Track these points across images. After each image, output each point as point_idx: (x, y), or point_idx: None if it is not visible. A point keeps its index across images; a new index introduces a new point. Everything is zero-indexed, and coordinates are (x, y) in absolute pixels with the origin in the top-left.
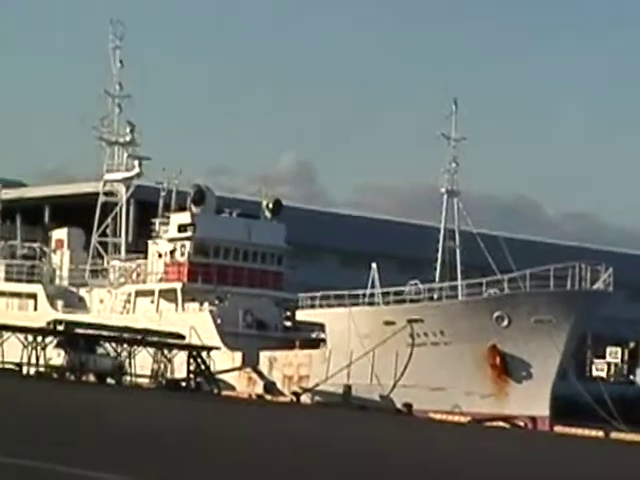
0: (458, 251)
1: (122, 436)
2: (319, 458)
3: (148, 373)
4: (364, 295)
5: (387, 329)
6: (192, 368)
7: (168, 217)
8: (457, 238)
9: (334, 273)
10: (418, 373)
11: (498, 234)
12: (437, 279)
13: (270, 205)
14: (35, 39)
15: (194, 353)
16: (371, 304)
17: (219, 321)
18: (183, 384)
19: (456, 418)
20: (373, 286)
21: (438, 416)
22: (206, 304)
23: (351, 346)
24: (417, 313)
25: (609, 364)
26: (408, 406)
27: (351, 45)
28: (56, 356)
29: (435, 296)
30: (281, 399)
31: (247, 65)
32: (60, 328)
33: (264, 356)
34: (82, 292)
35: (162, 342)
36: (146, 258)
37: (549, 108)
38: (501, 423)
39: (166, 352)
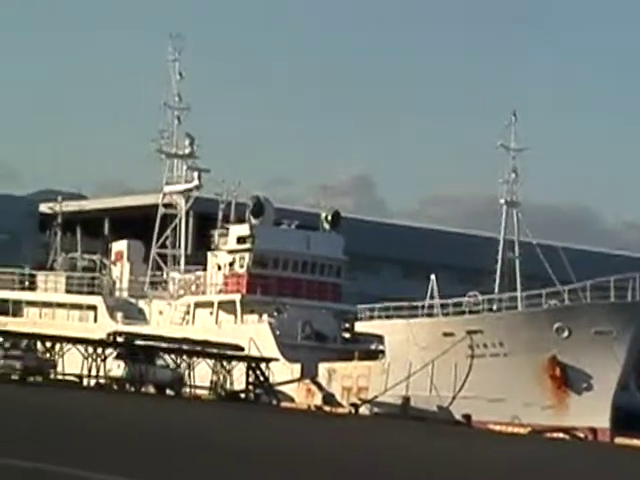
0: (518, 262)
1: (176, 445)
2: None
3: (207, 384)
4: (423, 306)
5: (446, 340)
6: (251, 379)
7: (227, 229)
8: (517, 249)
9: (393, 284)
10: (477, 384)
11: (558, 244)
12: (496, 290)
13: (329, 217)
14: (94, 52)
15: (253, 364)
16: (430, 315)
17: (278, 333)
18: (242, 395)
19: (515, 429)
20: (432, 297)
21: (497, 427)
22: (265, 316)
23: (410, 357)
24: (476, 324)
25: None
26: (467, 417)
27: (410, 53)
28: (116, 367)
29: (494, 307)
30: (340, 410)
31: (305, 77)
32: (120, 340)
33: (323, 368)
34: (142, 304)
35: (221, 354)
36: (205, 270)
37: (606, 116)
38: (561, 435)
39: (225, 363)
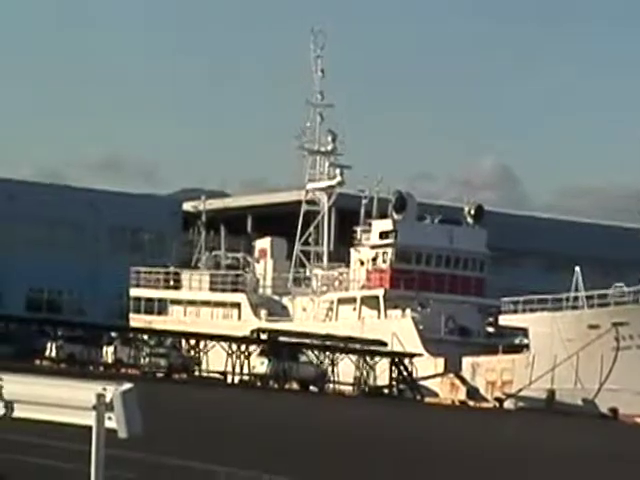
0: None
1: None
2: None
3: (350, 380)
4: (567, 299)
5: (591, 333)
6: (394, 375)
7: (370, 224)
8: None
9: (537, 277)
10: (623, 377)
11: None
12: None
13: (472, 211)
14: (235, 51)
15: (396, 360)
16: (575, 308)
17: (421, 327)
18: (385, 391)
19: None
20: (577, 289)
21: None
22: (408, 311)
23: (555, 350)
24: (622, 316)
25: None
26: (614, 411)
27: (545, 48)
28: (259, 364)
29: None
30: (484, 405)
31: (443, 69)
32: (263, 336)
33: (467, 362)
34: (285, 300)
35: (364, 349)
36: (348, 266)
37: None
38: None
39: (368, 359)
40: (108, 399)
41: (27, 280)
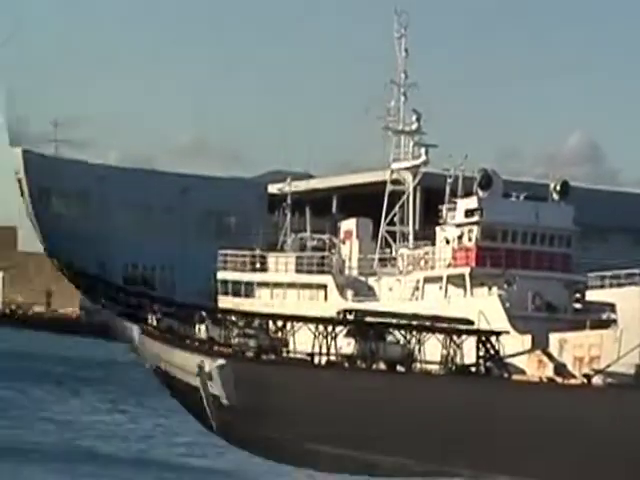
0: None
1: None
2: None
3: (437, 359)
4: None
5: None
6: (481, 353)
7: (455, 203)
8: None
9: (625, 253)
10: None
11: None
12: None
13: (558, 187)
14: (318, 33)
15: (483, 338)
16: None
17: (508, 305)
18: (473, 369)
19: None
20: None
21: None
22: (494, 288)
23: None
24: None
25: None
26: None
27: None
28: (346, 345)
29: None
30: (572, 382)
31: (528, 44)
32: (350, 317)
33: (554, 338)
34: (371, 281)
35: (451, 328)
36: (433, 245)
37: None
38: None
39: (455, 338)
40: (207, 370)
41: (124, 257)
